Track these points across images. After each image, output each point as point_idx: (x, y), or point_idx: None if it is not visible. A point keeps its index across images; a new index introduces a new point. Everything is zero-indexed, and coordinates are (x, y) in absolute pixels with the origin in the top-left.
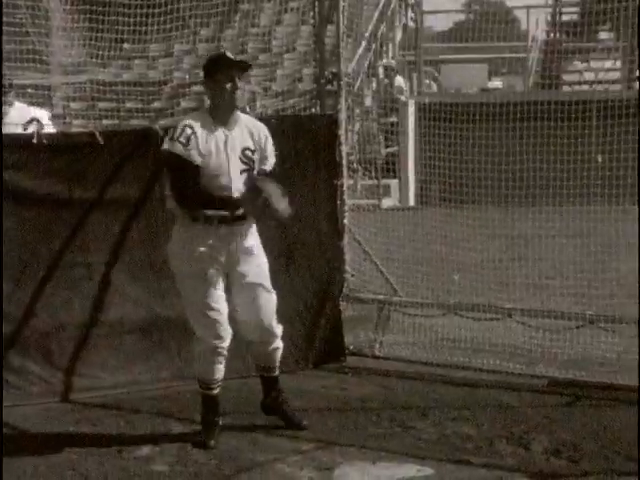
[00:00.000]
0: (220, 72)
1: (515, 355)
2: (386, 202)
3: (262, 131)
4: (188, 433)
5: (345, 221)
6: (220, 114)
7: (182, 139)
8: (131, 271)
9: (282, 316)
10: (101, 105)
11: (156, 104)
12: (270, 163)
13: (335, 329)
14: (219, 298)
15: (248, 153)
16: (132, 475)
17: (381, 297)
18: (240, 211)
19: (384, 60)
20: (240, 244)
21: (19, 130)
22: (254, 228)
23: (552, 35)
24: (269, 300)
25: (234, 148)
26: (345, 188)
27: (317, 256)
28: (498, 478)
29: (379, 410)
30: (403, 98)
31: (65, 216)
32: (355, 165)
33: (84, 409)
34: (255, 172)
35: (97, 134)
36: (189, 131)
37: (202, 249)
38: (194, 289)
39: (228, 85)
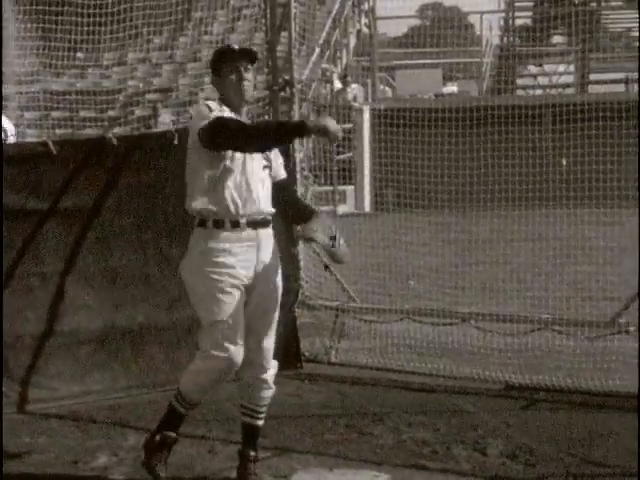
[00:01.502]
0: (225, 65)
1: (471, 360)
2: (342, 208)
3: None
4: None
5: (299, 228)
6: (234, 108)
7: (218, 113)
8: (86, 281)
9: None
10: (54, 114)
11: (110, 113)
12: (280, 164)
13: (291, 336)
14: (241, 323)
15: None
16: None
17: (336, 304)
18: (264, 212)
19: (324, 65)
20: (264, 254)
21: None
22: (273, 240)
23: (506, 40)
24: (273, 334)
25: None
26: (299, 195)
27: None
28: None
29: (336, 416)
30: (357, 104)
31: (19, 226)
32: (306, 172)
33: (40, 420)
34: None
35: (50, 144)
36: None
37: (225, 260)
38: (216, 308)
39: (233, 76)
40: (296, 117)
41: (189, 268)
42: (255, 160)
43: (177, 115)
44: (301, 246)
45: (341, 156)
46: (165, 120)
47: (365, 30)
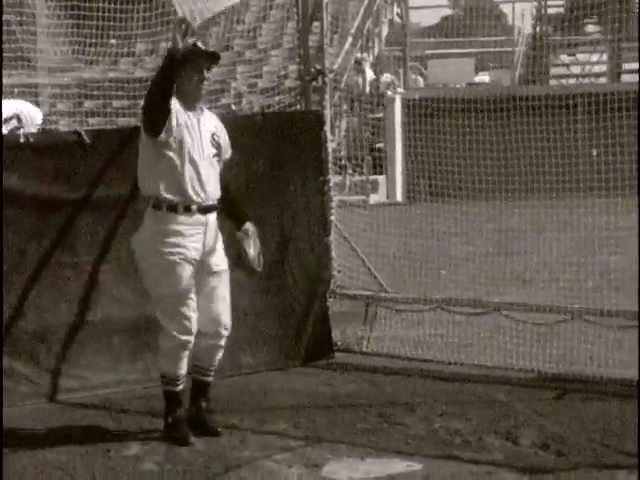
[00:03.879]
0: (189, 62)
1: (503, 349)
2: (374, 198)
3: (220, 124)
4: None
5: (332, 217)
6: (187, 102)
7: None
8: (119, 271)
9: (272, 313)
10: (87, 104)
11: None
12: (229, 153)
13: (323, 326)
14: (191, 295)
15: (216, 138)
16: (120, 474)
17: (368, 293)
18: (211, 198)
19: (357, 54)
20: (214, 233)
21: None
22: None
23: (538, 29)
24: (226, 295)
25: (206, 131)
26: (331, 184)
27: (306, 253)
28: (486, 473)
29: (367, 406)
30: (390, 93)
31: (52, 216)
32: (344, 161)
33: (72, 409)
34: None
35: (83, 133)
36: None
37: (176, 240)
38: (167, 282)
39: (195, 77)
40: (328, 107)
41: (141, 246)
42: (205, 149)
43: (209, 104)
44: (333, 236)
45: (374, 145)
46: None
47: (397, 19)
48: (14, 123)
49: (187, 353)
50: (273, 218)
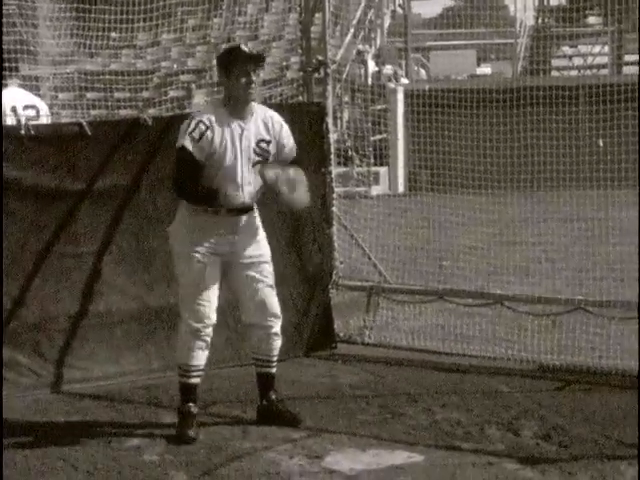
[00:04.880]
0: (235, 66)
1: (505, 341)
2: (376, 189)
3: (275, 119)
4: None
5: (334, 209)
6: (236, 108)
7: (195, 134)
8: (120, 262)
9: None
10: (89, 95)
11: (144, 93)
12: (290, 147)
13: (325, 317)
14: (211, 288)
15: (263, 145)
16: (122, 465)
17: (370, 284)
18: (246, 203)
19: (360, 46)
20: (244, 233)
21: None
22: (258, 219)
23: (540, 20)
24: (270, 284)
25: (249, 141)
26: (333, 176)
27: (308, 244)
28: (488, 463)
29: (369, 397)
30: (392, 85)
31: (53, 207)
32: (350, 153)
33: (74, 400)
34: (272, 160)
35: (85, 124)
36: (203, 127)
37: (204, 235)
38: (189, 273)
39: (243, 80)
40: (330, 98)
41: (172, 234)
42: (244, 158)
43: (211, 96)
44: (335, 227)
45: (376, 137)
46: (199, 101)
47: (399, 11)
48: (31, 113)
49: (202, 344)
50: (275, 209)
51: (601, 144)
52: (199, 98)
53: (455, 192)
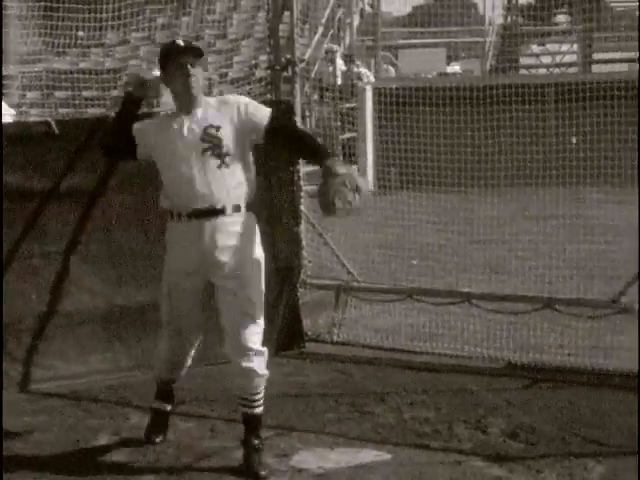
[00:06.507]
0: (171, 61)
1: (473, 339)
2: None
3: (231, 101)
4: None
5: (302, 207)
6: (182, 103)
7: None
8: (88, 261)
9: None
10: (57, 94)
11: (113, 92)
12: (264, 115)
13: (294, 316)
14: (188, 327)
15: (211, 131)
16: (90, 465)
17: (339, 283)
18: (210, 204)
19: (326, 44)
20: (219, 244)
21: None
22: (247, 228)
23: (509, 19)
24: (247, 312)
25: (195, 130)
26: (301, 174)
27: (276, 242)
28: (456, 462)
29: (337, 396)
30: (360, 83)
31: (21, 206)
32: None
33: (41, 399)
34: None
35: (52, 123)
36: (149, 120)
37: (176, 254)
38: (165, 296)
39: (179, 73)
40: (298, 96)
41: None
42: (195, 151)
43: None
44: (304, 225)
45: (345, 135)
46: (168, 100)
47: (369, 9)
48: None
49: (172, 354)
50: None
51: (574, 141)
52: (167, 97)
53: (425, 190)
